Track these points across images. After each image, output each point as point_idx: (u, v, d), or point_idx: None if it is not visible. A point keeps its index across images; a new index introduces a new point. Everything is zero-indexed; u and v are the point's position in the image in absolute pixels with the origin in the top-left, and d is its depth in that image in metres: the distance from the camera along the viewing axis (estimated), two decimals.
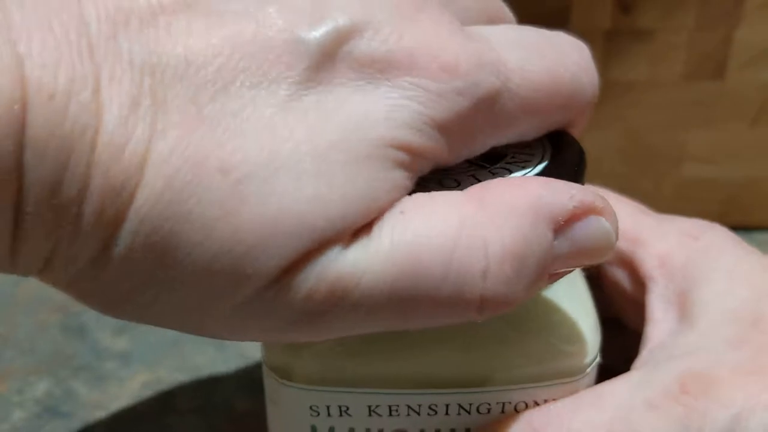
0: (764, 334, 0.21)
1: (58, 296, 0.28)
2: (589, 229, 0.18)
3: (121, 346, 0.35)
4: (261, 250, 0.16)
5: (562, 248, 0.18)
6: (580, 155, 0.20)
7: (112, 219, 0.16)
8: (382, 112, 0.17)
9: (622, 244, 0.25)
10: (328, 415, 0.20)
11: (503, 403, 0.20)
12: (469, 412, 0.21)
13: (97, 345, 0.35)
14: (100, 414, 0.32)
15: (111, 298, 0.17)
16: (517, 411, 0.21)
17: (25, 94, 0.15)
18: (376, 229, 0.17)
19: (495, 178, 0.19)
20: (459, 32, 0.18)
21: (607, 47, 0.35)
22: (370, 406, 0.20)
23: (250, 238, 0.16)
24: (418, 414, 0.20)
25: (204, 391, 0.33)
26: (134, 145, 0.15)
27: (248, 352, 0.35)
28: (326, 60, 0.17)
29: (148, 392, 0.33)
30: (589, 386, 0.22)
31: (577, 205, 0.18)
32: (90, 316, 0.36)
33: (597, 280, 0.27)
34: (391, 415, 0.20)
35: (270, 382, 0.21)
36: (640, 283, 0.25)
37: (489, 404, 0.20)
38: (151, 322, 0.18)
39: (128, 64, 0.16)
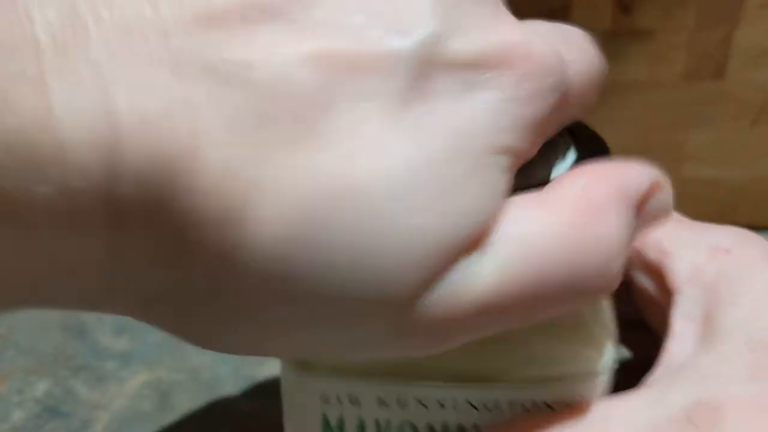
0: None
1: None
2: (658, 203, 0.19)
3: (121, 346, 0.35)
4: (400, 270, 0.16)
5: (638, 226, 0.19)
6: (601, 141, 0.21)
7: (228, 250, 0.15)
8: (485, 118, 0.16)
9: (652, 253, 0.25)
10: (339, 403, 0.21)
11: (511, 402, 0.21)
12: (477, 409, 0.21)
13: (97, 345, 0.35)
14: (100, 414, 0.32)
15: (220, 333, 0.17)
16: (526, 409, 0.21)
17: (118, 119, 0.14)
18: (496, 237, 0.17)
19: (542, 171, 0.19)
20: (532, 30, 0.18)
21: (607, 47, 0.35)
22: (379, 397, 0.21)
23: (388, 259, 0.15)
24: (426, 407, 0.21)
25: (204, 391, 0.33)
26: (244, 169, 0.15)
27: None
28: (422, 69, 0.16)
29: (148, 392, 0.33)
30: (602, 389, 0.22)
31: (651, 183, 0.19)
32: (90, 315, 0.36)
33: (624, 285, 0.27)
34: (399, 406, 0.21)
35: (284, 370, 0.21)
36: (667, 293, 0.25)
37: (498, 401, 0.21)
38: (263, 353, 0.17)
39: (222, 82, 0.15)
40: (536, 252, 0.17)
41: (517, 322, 0.18)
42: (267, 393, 0.33)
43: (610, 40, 0.35)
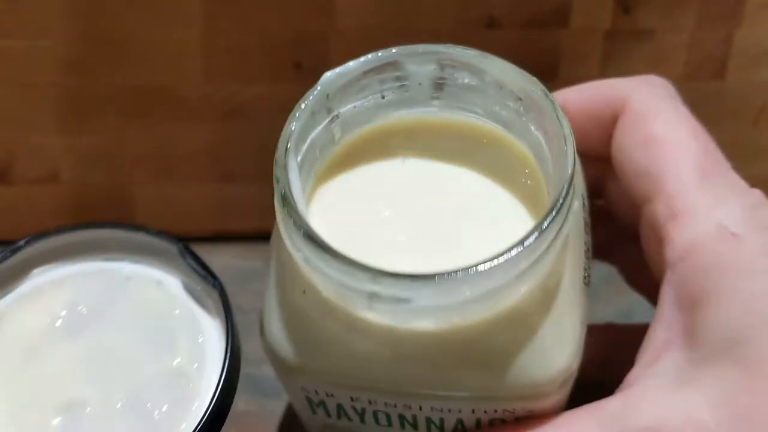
0: (754, 398, 0.19)
1: None
2: None
3: None
4: None
5: None
6: None
7: None
8: None
9: (659, 208, 0.23)
10: (317, 393, 0.23)
11: (473, 408, 0.22)
12: (440, 410, 0.23)
13: None
14: None
15: None
16: (485, 413, 0.22)
17: None
18: None
19: None
20: None
21: (607, 47, 0.35)
22: (351, 396, 0.23)
23: None
24: (394, 407, 0.23)
25: None
26: None
27: (248, 352, 0.35)
28: None
29: None
30: (565, 388, 0.23)
31: None
32: None
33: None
34: (370, 404, 0.23)
35: (272, 361, 0.24)
36: (659, 259, 0.23)
37: (459, 409, 0.22)
38: None
39: None
40: None
41: None
42: (267, 393, 0.33)
43: (610, 40, 0.35)
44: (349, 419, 0.24)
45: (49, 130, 0.37)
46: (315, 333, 0.22)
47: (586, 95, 0.25)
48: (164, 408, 0.23)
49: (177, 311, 0.25)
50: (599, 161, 0.25)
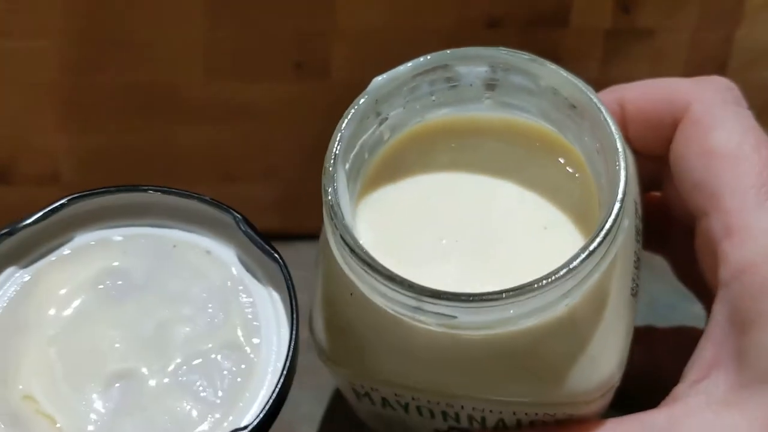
0: None
1: None
2: None
3: None
4: None
5: None
6: None
7: None
8: None
9: (715, 223, 0.22)
10: (362, 387, 0.24)
11: (514, 411, 0.23)
12: (482, 410, 0.23)
13: None
14: None
15: None
16: (527, 415, 0.23)
17: None
18: None
19: None
20: None
21: (607, 47, 0.35)
22: (395, 393, 0.23)
23: None
24: (438, 404, 0.23)
25: None
26: None
27: None
28: None
29: None
30: (606, 398, 0.23)
31: None
32: None
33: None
34: (413, 399, 0.23)
35: (318, 355, 0.24)
36: (714, 276, 0.22)
37: (501, 410, 0.23)
38: None
39: None
40: None
41: None
42: None
43: (610, 40, 0.35)
44: (394, 410, 0.25)
45: (49, 130, 0.37)
46: (360, 334, 0.22)
47: (646, 95, 0.24)
48: (218, 383, 0.22)
49: (229, 283, 0.23)
50: (657, 158, 0.25)
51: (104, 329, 0.23)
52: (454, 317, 0.20)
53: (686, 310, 0.30)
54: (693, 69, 0.37)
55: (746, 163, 0.22)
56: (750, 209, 0.22)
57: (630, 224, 0.22)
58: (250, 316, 0.23)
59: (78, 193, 0.24)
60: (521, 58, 0.22)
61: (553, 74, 0.22)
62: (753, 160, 0.22)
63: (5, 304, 0.23)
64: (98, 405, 0.22)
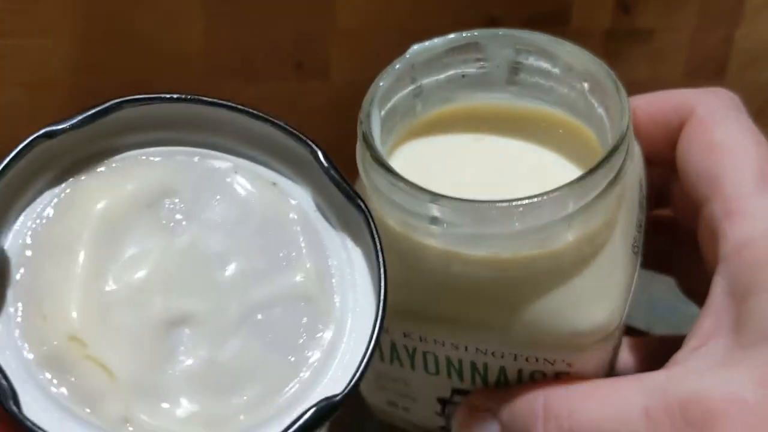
0: None
1: None
2: None
3: None
4: None
5: None
6: None
7: None
8: None
9: (716, 207, 0.24)
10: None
11: (515, 354, 0.24)
12: (485, 353, 0.24)
13: None
14: None
15: None
16: (527, 362, 0.24)
17: None
18: None
19: None
20: None
21: (607, 47, 0.35)
22: (404, 332, 0.24)
23: None
24: (443, 345, 0.24)
25: None
26: None
27: None
28: None
29: None
30: (604, 349, 0.24)
31: None
32: None
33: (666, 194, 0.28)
34: (420, 341, 0.25)
35: None
36: (714, 253, 0.24)
37: (503, 353, 0.24)
38: None
39: None
40: None
41: None
42: None
43: (610, 40, 0.35)
44: (401, 364, 0.26)
45: None
46: None
47: (654, 103, 0.26)
48: (284, 330, 0.19)
49: (298, 226, 0.20)
50: (665, 167, 0.26)
51: (156, 261, 0.19)
52: (463, 225, 0.21)
53: (686, 311, 0.31)
54: (693, 69, 0.37)
55: (745, 154, 0.24)
56: (749, 194, 0.23)
57: (635, 183, 0.25)
58: (324, 263, 0.20)
59: (129, 96, 0.21)
60: (541, 38, 0.25)
61: (569, 50, 0.25)
62: (751, 152, 0.24)
63: (44, 222, 0.19)
64: (159, 355, 0.19)
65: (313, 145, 0.20)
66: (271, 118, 0.20)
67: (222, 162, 0.21)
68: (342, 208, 0.21)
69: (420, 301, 0.23)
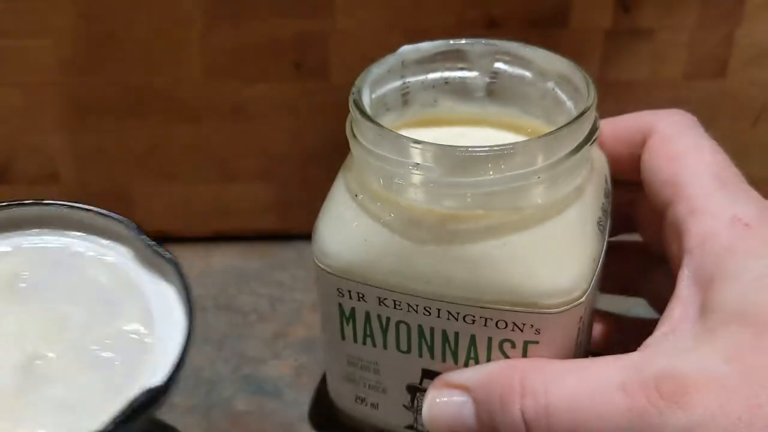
0: (763, 354, 0.22)
1: None
2: None
3: None
4: None
5: None
6: None
7: None
8: None
9: (680, 207, 0.26)
10: (350, 297, 0.27)
11: (485, 318, 0.25)
12: (456, 319, 0.26)
13: None
14: None
15: None
16: (497, 327, 0.25)
17: None
18: None
19: None
20: None
21: (607, 47, 0.35)
22: (379, 298, 0.26)
23: None
24: (416, 312, 0.26)
25: (204, 391, 0.33)
26: None
27: (248, 352, 0.35)
28: None
29: None
30: (571, 320, 0.25)
31: None
32: None
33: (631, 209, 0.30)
34: (395, 308, 0.26)
35: (317, 270, 0.27)
36: (679, 248, 0.26)
37: (473, 316, 0.25)
38: None
39: None
40: None
41: None
42: (266, 392, 0.33)
43: (610, 40, 0.35)
44: (374, 343, 0.27)
45: (48, 130, 0.37)
46: (360, 227, 0.26)
47: (618, 123, 0.29)
48: (120, 363, 0.24)
49: (125, 284, 0.26)
50: (630, 187, 0.29)
51: (12, 322, 0.25)
52: (442, 172, 0.24)
53: None
54: (693, 69, 0.37)
55: (704, 160, 0.26)
56: (709, 194, 0.26)
57: (601, 168, 0.28)
58: (148, 311, 0.25)
59: None
60: (515, 45, 0.28)
61: (541, 54, 0.28)
62: (708, 159, 0.27)
63: None
64: (7, 381, 0.23)
65: (125, 219, 0.27)
66: (93, 209, 0.27)
67: (63, 247, 0.27)
68: (159, 263, 0.26)
69: (399, 258, 0.25)
